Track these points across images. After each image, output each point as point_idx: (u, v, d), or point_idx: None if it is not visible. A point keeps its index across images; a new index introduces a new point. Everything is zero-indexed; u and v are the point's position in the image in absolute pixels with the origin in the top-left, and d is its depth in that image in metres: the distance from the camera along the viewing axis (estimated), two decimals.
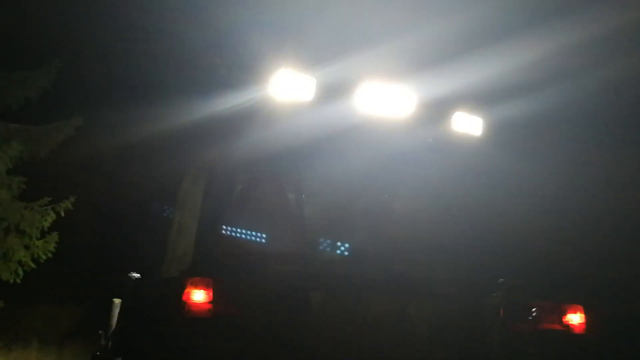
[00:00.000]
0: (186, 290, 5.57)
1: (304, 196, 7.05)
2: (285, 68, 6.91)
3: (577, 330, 7.76)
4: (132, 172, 7.69)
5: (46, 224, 6.83)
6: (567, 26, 7.98)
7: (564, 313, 7.72)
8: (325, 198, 7.35)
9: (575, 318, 7.80)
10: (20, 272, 6.90)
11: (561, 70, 8.27)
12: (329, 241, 7.25)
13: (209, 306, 5.65)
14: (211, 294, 5.67)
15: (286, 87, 6.88)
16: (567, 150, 8.20)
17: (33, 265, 6.77)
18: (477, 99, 8.11)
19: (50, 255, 6.90)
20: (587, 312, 7.80)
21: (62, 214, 6.85)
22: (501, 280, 7.20)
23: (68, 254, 7.30)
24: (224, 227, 6.54)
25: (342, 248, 7.41)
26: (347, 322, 6.30)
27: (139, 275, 6.01)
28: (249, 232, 6.58)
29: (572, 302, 7.77)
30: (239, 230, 6.57)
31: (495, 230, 7.85)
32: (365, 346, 6.33)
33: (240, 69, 6.95)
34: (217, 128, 6.69)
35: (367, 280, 6.73)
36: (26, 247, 6.82)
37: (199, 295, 5.62)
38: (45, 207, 6.90)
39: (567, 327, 7.71)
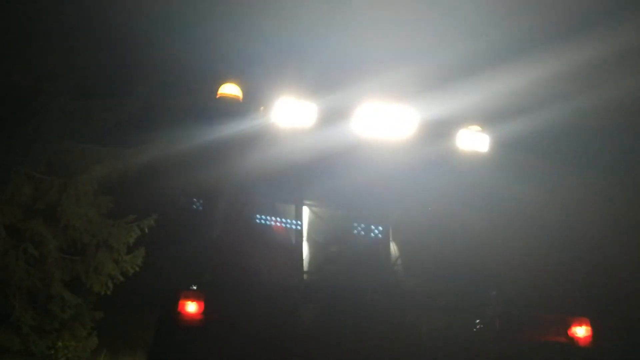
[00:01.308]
0: (180, 302, 6.33)
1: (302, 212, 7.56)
2: (287, 96, 7.39)
3: (582, 343, 7.83)
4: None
5: (131, 240, 7.27)
6: (574, 46, 8.01)
7: (570, 325, 7.81)
8: (330, 214, 7.84)
9: (580, 331, 7.87)
10: (110, 284, 7.79)
11: (566, 90, 8.31)
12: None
13: (201, 317, 6.39)
14: (202, 305, 6.41)
15: (288, 114, 7.36)
16: (573, 165, 8.22)
17: (122, 279, 7.22)
18: (482, 117, 8.30)
19: (137, 269, 7.66)
20: (593, 325, 7.85)
21: (146, 230, 7.28)
22: (493, 293, 7.41)
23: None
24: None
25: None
26: (338, 332, 6.77)
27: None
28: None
29: (578, 314, 7.84)
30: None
31: (501, 243, 8.03)
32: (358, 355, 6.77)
33: (246, 98, 7.54)
34: (224, 152, 7.33)
35: (364, 292, 7.15)
36: (115, 262, 7.30)
37: (191, 307, 6.38)
38: (130, 224, 7.31)
39: (572, 340, 7.80)
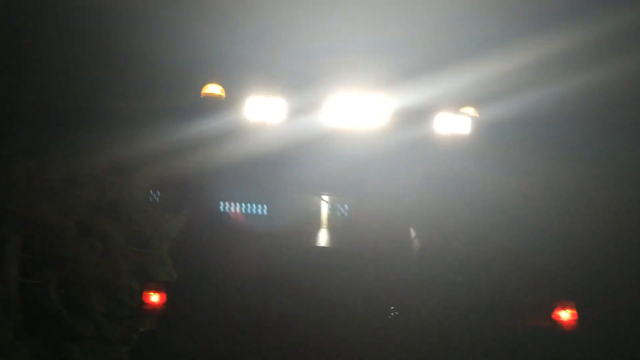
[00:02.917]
0: (144, 293, 6.77)
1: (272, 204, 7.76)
2: (257, 94, 7.67)
3: (567, 327, 7.56)
4: None
5: None
6: (556, 32, 7.85)
7: (554, 309, 7.57)
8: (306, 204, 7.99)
9: (565, 315, 7.60)
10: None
11: (550, 73, 8.12)
12: None
13: (163, 307, 6.80)
14: (164, 296, 6.82)
15: (259, 110, 7.63)
16: (559, 149, 8.00)
17: None
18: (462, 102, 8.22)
19: None
20: (578, 309, 7.57)
21: None
22: (460, 278, 7.32)
23: None
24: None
25: None
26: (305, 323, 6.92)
27: None
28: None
29: (563, 298, 7.59)
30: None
31: (486, 228, 7.92)
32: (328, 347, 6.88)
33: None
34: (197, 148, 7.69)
35: (335, 282, 7.24)
36: None
37: (154, 298, 6.80)
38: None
39: (556, 323, 7.55)
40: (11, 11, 8.38)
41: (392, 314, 7.07)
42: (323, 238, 7.96)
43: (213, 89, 8.11)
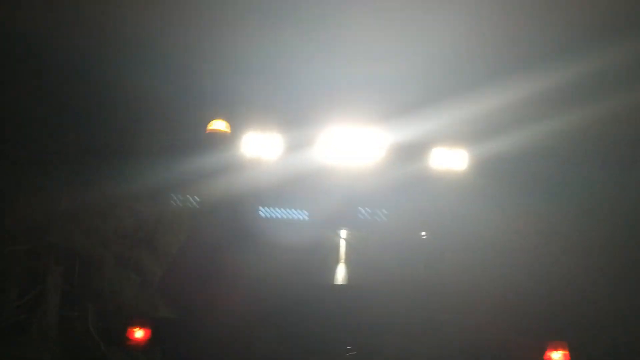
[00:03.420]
0: (129, 329, 6.80)
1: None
2: (254, 130, 7.74)
3: None
4: None
5: None
6: (552, 68, 7.88)
7: (545, 350, 7.47)
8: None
9: (557, 356, 7.49)
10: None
11: (545, 110, 8.12)
12: None
13: (147, 342, 6.81)
14: (149, 332, 6.83)
15: (255, 146, 7.70)
16: (553, 187, 7.97)
17: None
18: (457, 138, 8.22)
19: None
20: (571, 350, 7.46)
21: None
22: (444, 316, 7.24)
23: None
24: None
25: None
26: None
27: None
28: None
29: (555, 338, 7.48)
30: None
31: (477, 264, 7.87)
32: None
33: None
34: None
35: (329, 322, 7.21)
36: None
37: (138, 333, 6.82)
38: None
39: None
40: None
41: (349, 353, 7.02)
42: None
43: (219, 125, 8.23)
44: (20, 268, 8.61)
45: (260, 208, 7.94)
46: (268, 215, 8.00)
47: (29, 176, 8.79)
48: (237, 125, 7.84)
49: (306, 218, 8.10)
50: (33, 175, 8.81)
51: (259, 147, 7.84)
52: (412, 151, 8.02)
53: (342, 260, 8.25)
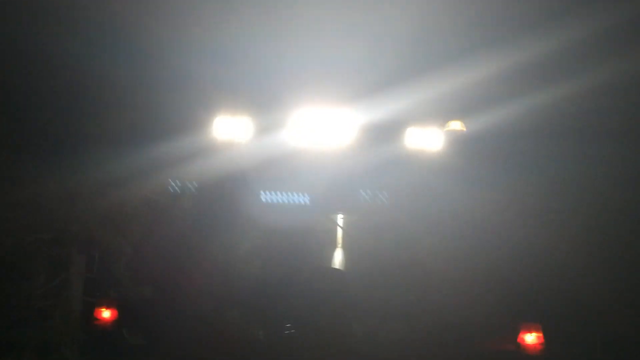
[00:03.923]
0: (96, 309, 6.93)
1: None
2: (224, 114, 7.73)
3: (532, 351, 7.32)
4: None
5: None
6: (525, 42, 7.70)
7: (519, 332, 7.35)
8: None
9: (530, 338, 7.37)
10: None
11: (519, 86, 7.94)
12: None
13: (113, 323, 6.93)
14: (115, 312, 6.95)
15: (226, 130, 7.71)
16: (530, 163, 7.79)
17: None
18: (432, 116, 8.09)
19: None
20: (545, 331, 7.32)
21: None
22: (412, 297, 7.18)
23: None
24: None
25: None
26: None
27: None
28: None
29: (530, 320, 7.35)
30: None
31: (453, 245, 7.78)
32: None
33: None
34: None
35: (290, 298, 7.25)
36: None
37: (105, 314, 6.95)
38: None
39: (521, 347, 7.32)
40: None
41: (288, 331, 7.05)
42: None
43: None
44: (44, 255, 8.83)
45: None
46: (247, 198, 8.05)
47: (49, 164, 8.99)
48: (209, 110, 7.86)
49: (283, 200, 8.12)
50: (50, 164, 9.01)
51: (231, 131, 7.87)
52: (386, 131, 7.95)
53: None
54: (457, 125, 8.29)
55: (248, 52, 8.34)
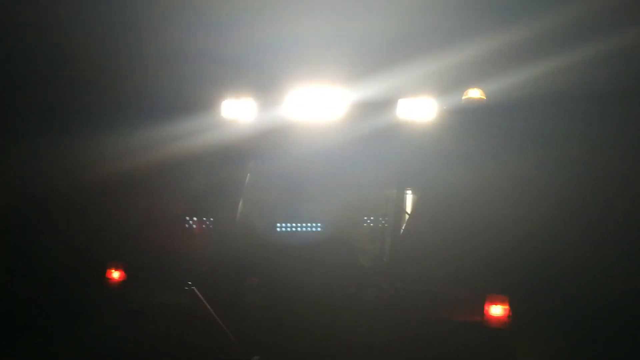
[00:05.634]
0: (108, 270, 8.04)
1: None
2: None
3: (498, 324, 7.40)
4: None
5: None
6: (521, 18, 7.66)
7: (484, 303, 7.43)
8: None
9: (496, 310, 7.42)
10: None
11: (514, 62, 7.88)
12: None
13: (124, 283, 8.00)
14: (124, 274, 8.02)
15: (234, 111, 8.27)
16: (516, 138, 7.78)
17: None
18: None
19: None
20: (511, 303, 7.40)
21: None
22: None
23: None
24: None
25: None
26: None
27: None
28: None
29: (496, 292, 7.38)
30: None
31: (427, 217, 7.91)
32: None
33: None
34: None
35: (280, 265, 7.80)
36: None
37: (115, 274, 8.06)
38: None
39: (487, 319, 7.41)
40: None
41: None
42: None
43: None
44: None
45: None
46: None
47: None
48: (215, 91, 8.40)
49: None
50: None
51: (236, 111, 8.37)
52: (380, 105, 8.18)
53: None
54: (476, 94, 8.29)
55: (242, 27, 8.74)
